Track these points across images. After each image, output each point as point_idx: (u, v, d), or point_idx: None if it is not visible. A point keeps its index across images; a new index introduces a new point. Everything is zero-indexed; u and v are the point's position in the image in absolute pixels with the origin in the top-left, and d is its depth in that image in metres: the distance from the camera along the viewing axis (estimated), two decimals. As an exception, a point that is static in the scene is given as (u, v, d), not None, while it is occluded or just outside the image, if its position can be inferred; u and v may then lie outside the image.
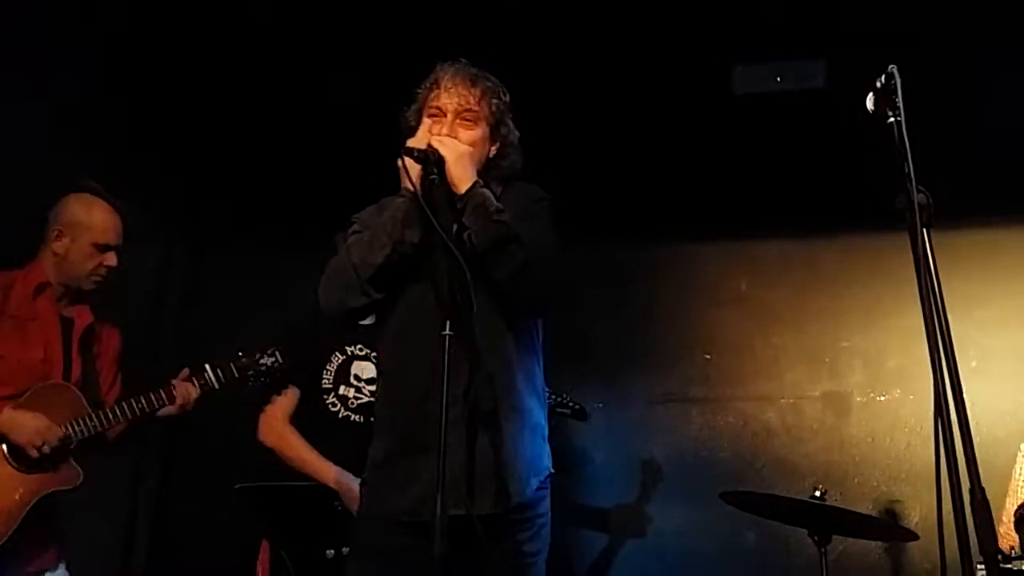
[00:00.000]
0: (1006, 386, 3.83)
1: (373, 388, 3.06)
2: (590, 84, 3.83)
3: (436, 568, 1.73)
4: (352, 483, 2.88)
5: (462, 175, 2.07)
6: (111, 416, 2.78)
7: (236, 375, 2.98)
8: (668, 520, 3.98)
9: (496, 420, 2.07)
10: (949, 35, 3.48)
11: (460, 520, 1.92)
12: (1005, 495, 3.00)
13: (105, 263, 2.90)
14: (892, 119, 1.75)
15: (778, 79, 3.78)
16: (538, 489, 2.15)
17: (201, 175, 4.41)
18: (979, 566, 1.98)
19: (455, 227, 2.04)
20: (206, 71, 3.81)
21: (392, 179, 2.14)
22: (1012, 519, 2.74)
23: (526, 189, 2.30)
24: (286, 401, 3.12)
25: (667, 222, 4.23)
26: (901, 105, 1.74)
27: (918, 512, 3.81)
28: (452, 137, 2.15)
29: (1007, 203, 3.91)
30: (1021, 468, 3.03)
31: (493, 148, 2.26)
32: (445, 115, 2.19)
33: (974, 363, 3.81)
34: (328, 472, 2.96)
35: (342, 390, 3.14)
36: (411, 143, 2.11)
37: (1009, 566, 2.47)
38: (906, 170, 1.70)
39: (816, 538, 2.89)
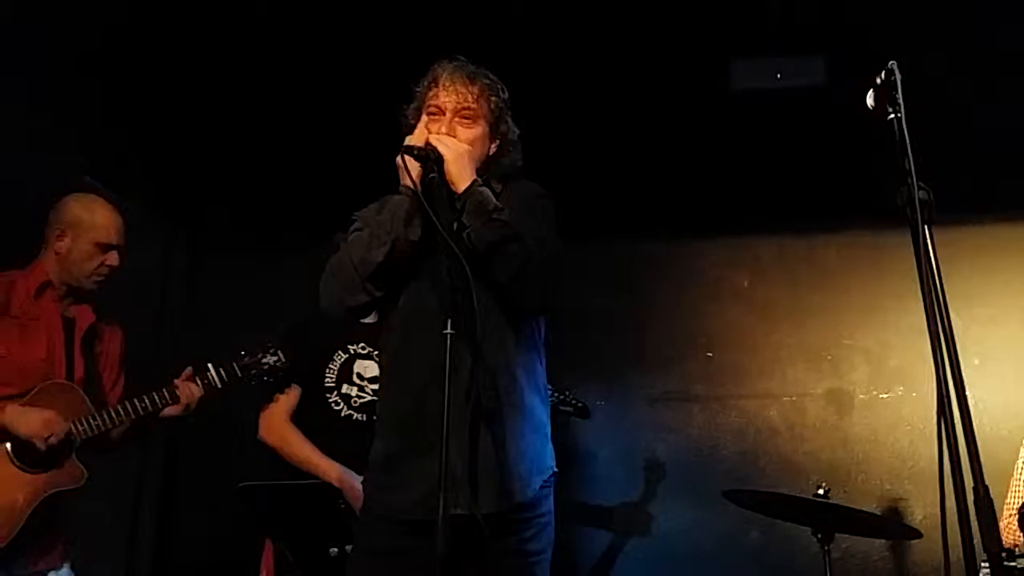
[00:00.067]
0: (1009, 383, 3.83)
1: (376, 387, 3.06)
2: (590, 82, 3.82)
3: (439, 568, 1.73)
4: (354, 480, 2.89)
5: (461, 174, 2.07)
6: (114, 416, 2.79)
7: (239, 374, 2.98)
8: (671, 518, 3.98)
9: (498, 419, 2.07)
10: (949, 34, 3.48)
11: (462, 520, 1.92)
12: (1007, 491, 3.00)
13: (107, 263, 2.90)
14: (892, 115, 1.75)
15: (778, 76, 3.78)
16: (541, 488, 2.14)
17: (201, 175, 4.41)
18: (983, 564, 1.97)
19: (455, 226, 2.04)
20: (206, 71, 3.81)
21: (392, 178, 2.14)
22: (1014, 516, 2.74)
23: (526, 187, 2.29)
24: (287, 400, 3.13)
25: (669, 219, 4.23)
26: (901, 101, 1.74)
27: (921, 510, 3.81)
28: (451, 135, 2.15)
29: (1008, 199, 3.91)
30: (1022, 465, 3.02)
31: (492, 146, 2.26)
32: (444, 113, 2.19)
33: (976, 360, 3.81)
34: (330, 470, 2.97)
35: (345, 389, 3.14)
36: (410, 141, 2.10)
37: (1013, 564, 2.47)
38: (907, 167, 1.70)
39: (819, 536, 2.89)
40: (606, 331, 4.23)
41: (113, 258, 2.90)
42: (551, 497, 2.19)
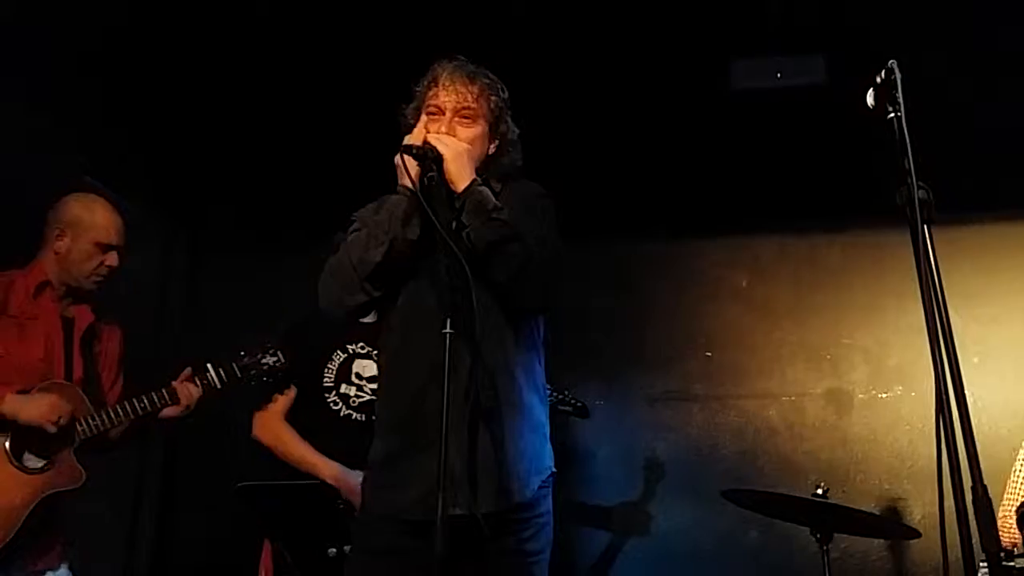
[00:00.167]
0: (1008, 382, 3.83)
1: (374, 386, 3.06)
2: (590, 81, 3.82)
3: (437, 568, 1.73)
4: (348, 476, 2.89)
5: (460, 173, 2.07)
6: (113, 416, 2.78)
7: (238, 375, 2.98)
8: (670, 518, 3.98)
9: (497, 418, 2.07)
10: (949, 34, 3.48)
11: (461, 519, 1.92)
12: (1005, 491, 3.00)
13: (107, 263, 2.90)
14: (892, 115, 1.75)
15: (778, 75, 3.78)
16: (540, 488, 2.14)
17: (202, 175, 4.41)
18: (982, 564, 1.97)
19: (454, 225, 2.04)
20: (207, 71, 3.81)
21: (391, 178, 2.14)
22: (1012, 516, 2.74)
23: (526, 186, 2.29)
24: (283, 399, 3.12)
25: (668, 218, 4.23)
26: (901, 100, 1.74)
27: (920, 510, 3.81)
28: (451, 135, 2.15)
29: (1008, 199, 3.91)
30: (1021, 465, 3.02)
31: (492, 145, 2.26)
32: (443, 113, 2.18)
33: (976, 359, 3.81)
34: (325, 467, 2.97)
35: (343, 388, 3.14)
36: (409, 140, 2.10)
37: (1011, 564, 2.47)
38: (907, 166, 1.70)
39: (818, 536, 2.89)
40: (606, 330, 4.22)
41: (113, 258, 2.90)
42: (550, 497, 2.19)
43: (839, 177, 3.94)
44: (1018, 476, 2.97)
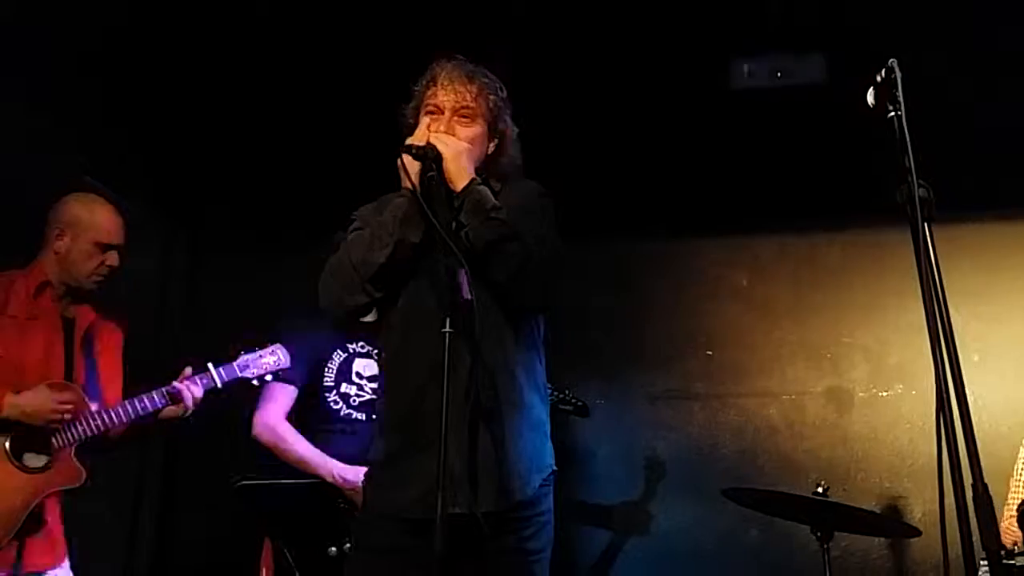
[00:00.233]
0: (1008, 380, 3.83)
1: (375, 385, 3.06)
2: (591, 80, 3.82)
3: (437, 567, 1.73)
4: (349, 475, 2.89)
5: (459, 172, 2.07)
6: (113, 416, 2.78)
7: (239, 374, 2.98)
8: (670, 517, 3.98)
9: (497, 417, 2.07)
10: (949, 34, 3.49)
11: (462, 518, 1.92)
12: (1007, 490, 3.00)
13: (107, 263, 2.89)
14: (892, 113, 1.75)
15: (778, 74, 3.78)
16: (540, 486, 2.14)
17: (202, 175, 4.41)
18: (982, 562, 1.98)
19: (453, 224, 2.04)
20: (206, 71, 3.81)
21: (392, 178, 2.14)
22: (1014, 514, 2.74)
23: (526, 185, 2.29)
24: (283, 399, 3.13)
25: (668, 217, 4.23)
26: (901, 99, 1.74)
27: (921, 508, 3.81)
28: (450, 134, 2.15)
29: (1009, 198, 3.91)
30: (1023, 466, 3.02)
31: (492, 145, 2.26)
32: (443, 112, 2.18)
33: (976, 358, 3.80)
34: (323, 465, 2.97)
35: (344, 387, 3.15)
36: (409, 141, 2.10)
37: (1012, 562, 2.47)
38: (907, 164, 1.70)
39: (818, 534, 2.89)
40: (605, 329, 4.22)
41: (113, 258, 2.90)
42: (551, 496, 2.18)
43: (839, 176, 3.94)
44: (1020, 476, 2.98)
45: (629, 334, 4.24)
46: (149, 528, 4.29)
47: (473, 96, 2.19)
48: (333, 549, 2.82)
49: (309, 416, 3.13)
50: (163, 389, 2.86)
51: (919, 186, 1.68)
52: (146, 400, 2.83)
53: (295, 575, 2.85)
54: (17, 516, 2.61)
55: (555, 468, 2.21)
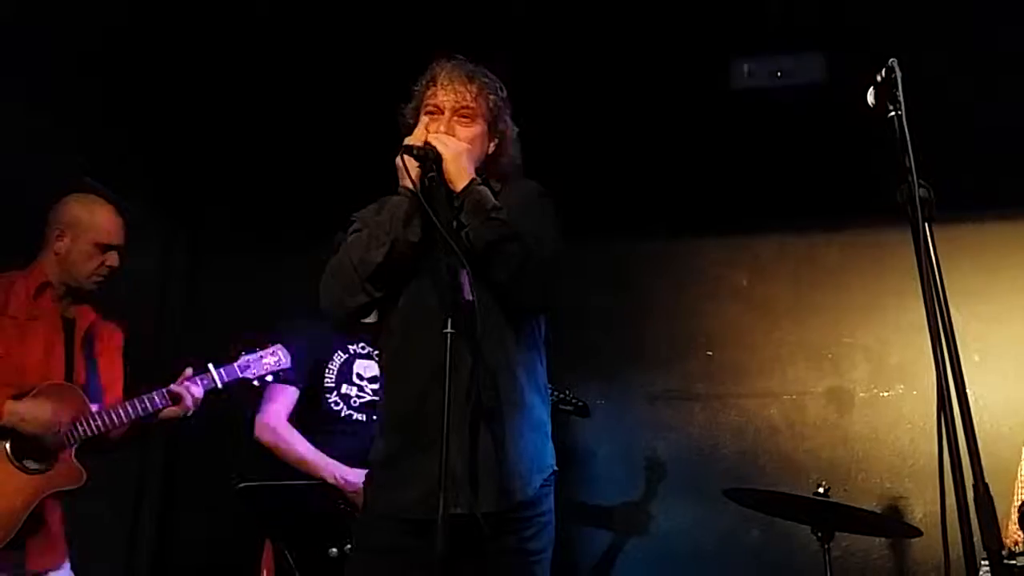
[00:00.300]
0: (1009, 380, 3.83)
1: (375, 386, 3.06)
2: (590, 80, 3.82)
3: (438, 567, 1.73)
4: (348, 474, 2.89)
5: (459, 173, 2.07)
6: (114, 417, 2.78)
7: (239, 374, 2.98)
8: (671, 517, 3.98)
9: (498, 418, 2.06)
10: (949, 34, 3.48)
11: (463, 519, 1.92)
12: (1011, 491, 2.99)
13: (107, 263, 2.89)
14: (893, 113, 1.75)
15: (778, 74, 3.78)
16: (541, 487, 2.14)
17: (202, 175, 4.41)
18: (983, 562, 1.97)
19: (454, 224, 2.04)
20: (206, 71, 3.81)
21: (392, 178, 2.14)
22: (1016, 515, 2.74)
23: (526, 185, 2.29)
24: (284, 400, 3.12)
25: (668, 217, 4.23)
26: (901, 99, 1.74)
27: (922, 508, 3.80)
28: (450, 134, 2.15)
29: (1009, 198, 3.91)
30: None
31: (492, 144, 2.26)
32: (442, 112, 2.18)
33: (977, 357, 3.80)
34: (325, 467, 2.97)
35: (344, 389, 3.15)
36: (409, 141, 2.10)
37: (1013, 562, 2.47)
38: (907, 164, 1.70)
39: (819, 535, 2.89)
40: (605, 329, 4.22)
41: (113, 258, 2.90)
42: (551, 496, 2.18)
43: (839, 176, 3.94)
44: (1023, 476, 2.97)
45: (629, 334, 4.24)
46: (149, 529, 4.29)
47: (473, 96, 2.19)
48: (334, 550, 2.82)
49: (309, 417, 3.12)
50: (163, 390, 2.85)
51: (919, 186, 1.68)
52: (146, 401, 2.82)
53: (295, 576, 2.85)
54: (18, 517, 2.61)
55: (556, 468, 2.21)
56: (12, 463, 2.65)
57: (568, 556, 3.97)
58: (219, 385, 2.95)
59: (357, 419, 3.12)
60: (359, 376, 3.16)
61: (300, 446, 3.05)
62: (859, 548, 3.75)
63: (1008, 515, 2.83)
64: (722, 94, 3.88)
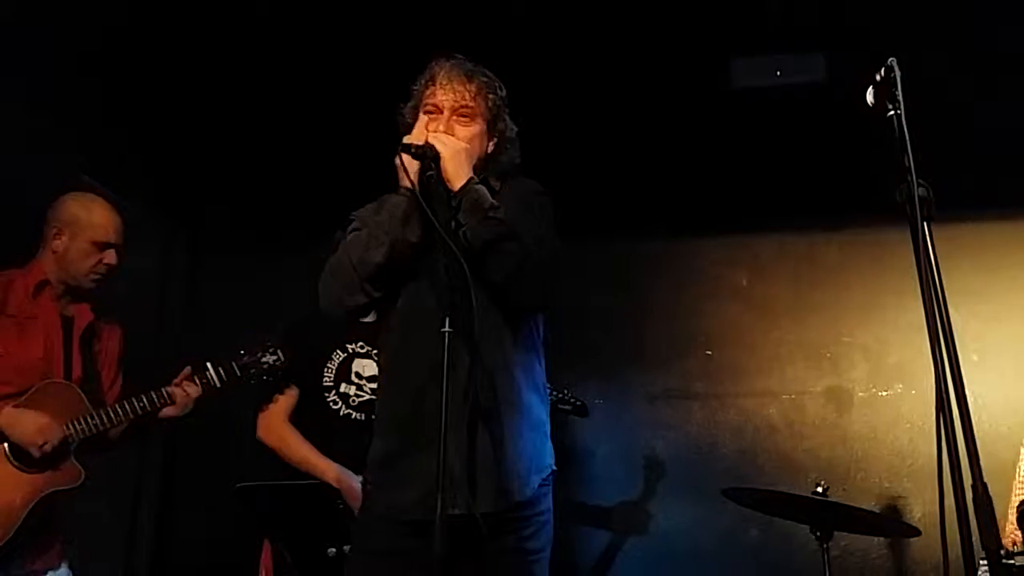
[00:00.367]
0: (1008, 379, 3.83)
1: (374, 386, 3.06)
2: (590, 79, 3.83)
3: (437, 568, 1.73)
4: (352, 480, 2.89)
5: (457, 172, 2.07)
6: (112, 415, 2.78)
7: (238, 373, 2.97)
8: (670, 516, 3.98)
9: (496, 417, 2.06)
10: (949, 34, 3.49)
11: (461, 519, 1.92)
12: (1010, 490, 2.99)
13: (105, 261, 2.89)
14: (892, 112, 1.75)
15: (778, 73, 3.78)
16: (540, 486, 2.13)
17: (201, 175, 4.41)
18: (982, 562, 1.97)
19: (452, 224, 2.04)
20: (206, 71, 3.81)
21: (391, 178, 2.14)
22: (1015, 514, 2.74)
23: (525, 184, 2.29)
24: (285, 400, 3.12)
25: (668, 217, 4.23)
26: (901, 98, 1.74)
27: (920, 508, 3.81)
28: (448, 134, 2.14)
29: (1008, 197, 3.91)
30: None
31: (491, 144, 2.26)
32: (441, 112, 2.18)
33: (976, 357, 3.81)
34: (328, 470, 2.96)
35: (343, 388, 3.14)
36: (407, 140, 2.10)
37: (1012, 562, 2.47)
38: (906, 163, 1.70)
39: (818, 534, 2.89)
40: (605, 329, 4.22)
41: (111, 257, 2.90)
42: (550, 495, 2.18)
43: (838, 175, 3.95)
44: (1021, 475, 2.97)
45: (628, 334, 4.24)
46: (148, 528, 4.29)
47: (472, 95, 2.19)
48: (332, 550, 2.82)
49: (308, 416, 3.12)
50: (162, 389, 2.85)
51: (918, 185, 1.68)
52: (145, 399, 2.82)
53: (294, 576, 2.85)
54: (16, 516, 2.61)
55: (555, 468, 2.21)
56: (11, 463, 2.65)
57: (567, 555, 3.97)
58: (217, 384, 2.95)
59: (356, 418, 3.12)
60: (358, 375, 3.16)
61: (303, 447, 3.04)
62: (858, 548, 3.75)
63: (1006, 515, 2.84)
64: (722, 93, 3.89)
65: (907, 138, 1.72)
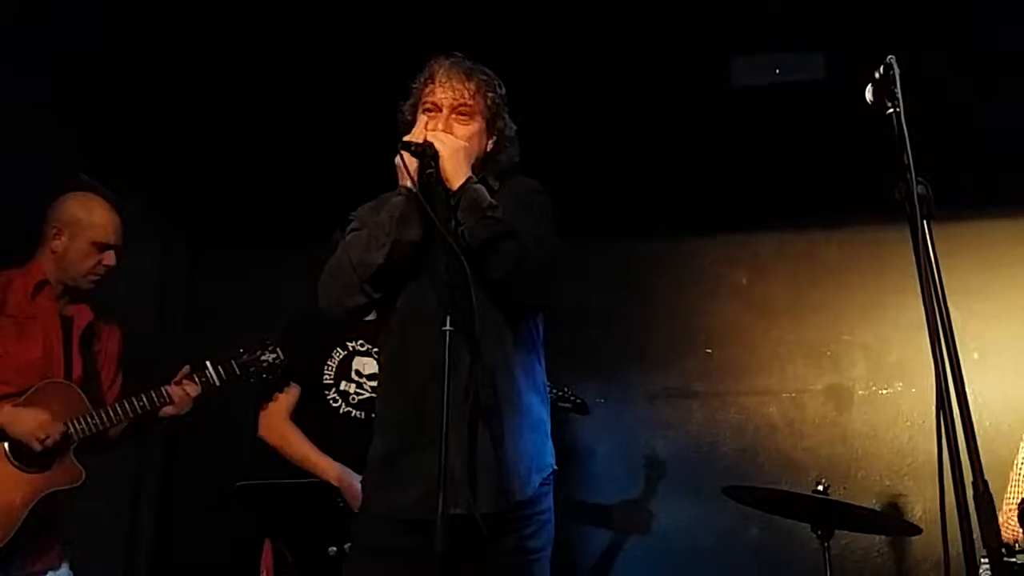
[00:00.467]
0: (1008, 377, 3.83)
1: (374, 384, 3.06)
2: (590, 78, 3.82)
3: (438, 567, 1.73)
4: (353, 479, 2.88)
5: (456, 170, 2.06)
6: (112, 415, 2.78)
7: (238, 372, 2.97)
8: (670, 515, 3.98)
9: (497, 417, 2.06)
10: (949, 34, 3.49)
11: (462, 519, 1.92)
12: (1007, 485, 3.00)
13: (104, 262, 2.89)
14: (891, 110, 1.75)
15: (777, 71, 3.78)
16: (541, 486, 2.13)
17: (201, 175, 4.41)
18: (983, 560, 1.97)
19: (451, 223, 2.03)
20: (206, 71, 3.81)
21: (391, 177, 2.14)
22: (1013, 511, 2.74)
23: (524, 183, 2.29)
24: (286, 398, 3.12)
25: (667, 216, 4.23)
26: (900, 96, 1.74)
27: (921, 506, 3.81)
28: (448, 132, 2.14)
29: (1008, 196, 3.91)
30: (1023, 460, 3.02)
31: (490, 142, 2.25)
32: (440, 110, 2.18)
33: (976, 355, 3.81)
34: (329, 469, 2.96)
35: (343, 386, 3.14)
36: (407, 138, 2.10)
37: (1013, 559, 2.46)
38: (906, 161, 1.70)
39: (819, 533, 2.89)
40: (605, 328, 4.22)
41: (110, 257, 2.90)
42: (551, 495, 2.18)
43: (838, 174, 3.95)
44: (1020, 472, 2.97)
45: (628, 333, 4.24)
46: (148, 527, 4.28)
47: (471, 93, 2.19)
48: (333, 549, 2.82)
49: (308, 414, 3.12)
50: (161, 388, 2.85)
51: (918, 183, 1.68)
52: (145, 399, 2.82)
53: (295, 575, 2.85)
54: (17, 516, 2.61)
55: (555, 467, 2.21)
56: (11, 462, 2.65)
57: (568, 554, 3.97)
58: (216, 382, 2.95)
59: (355, 416, 3.11)
60: (358, 373, 3.16)
61: (304, 446, 3.04)
62: (858, 546, 3.75)
63: (1001, 508, 2.84)
64: (722, 92, 3.88)
65: (906, 136, 1.72)
